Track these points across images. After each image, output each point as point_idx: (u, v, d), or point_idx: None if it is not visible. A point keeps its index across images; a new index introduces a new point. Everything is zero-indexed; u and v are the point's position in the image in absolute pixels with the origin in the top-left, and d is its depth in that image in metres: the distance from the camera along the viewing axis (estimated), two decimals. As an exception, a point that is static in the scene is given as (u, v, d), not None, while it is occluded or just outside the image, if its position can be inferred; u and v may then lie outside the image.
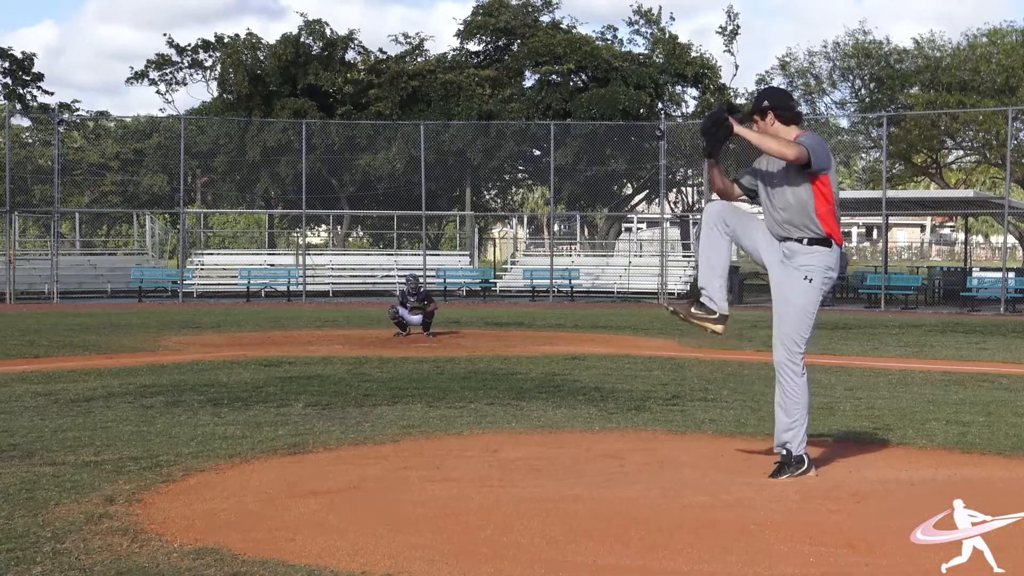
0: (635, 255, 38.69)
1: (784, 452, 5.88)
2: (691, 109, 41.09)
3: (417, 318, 16.32)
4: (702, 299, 6.01)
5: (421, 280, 17.86)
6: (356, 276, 35.21)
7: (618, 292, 33.21)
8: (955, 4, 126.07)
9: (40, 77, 43.52)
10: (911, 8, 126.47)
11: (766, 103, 5.95)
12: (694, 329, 6.12)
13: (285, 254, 38.41)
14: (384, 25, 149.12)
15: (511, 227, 49.24)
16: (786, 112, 5.92)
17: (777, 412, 5.93)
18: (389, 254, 37.30)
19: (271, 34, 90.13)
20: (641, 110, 38.53)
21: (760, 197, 6.04)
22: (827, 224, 5.77)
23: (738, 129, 5.74)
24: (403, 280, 18.04)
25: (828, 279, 5.86)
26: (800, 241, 5.80)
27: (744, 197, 6.21)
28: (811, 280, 5.78)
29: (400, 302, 16.57)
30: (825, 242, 5.78)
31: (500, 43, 40.95)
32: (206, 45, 42.60)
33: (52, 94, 48.97)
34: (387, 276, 34.20)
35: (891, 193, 30.71)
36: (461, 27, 40.77)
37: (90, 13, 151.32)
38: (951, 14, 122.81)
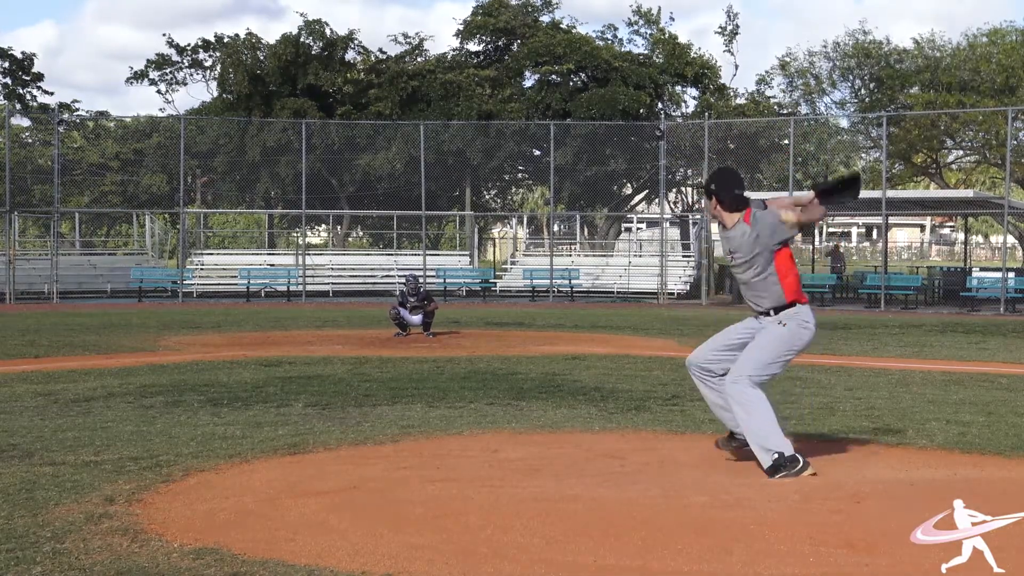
0: (635, 255, 38.69)
1: (776, 456, 5.89)
2: (691, 109, 41.10)
3: (417, 318, 16.34)
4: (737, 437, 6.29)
5: (421, 280, 17.86)
6: (356, 276, 35.21)
7: (618, 292, 33.21)
8: (955, 4, 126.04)
9: (40, 77, 43.52)
10: (911, 8, 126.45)
11: (712, 186, 6.18)
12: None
13: (285, 254, 38.42)
14: (383, 25, 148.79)
15: (511, 227, 49.25)
16: (725, 198, 6.11)
17: (745, 429, 6.03)
18: (389, 254, 37.30)
19: (270, 34, 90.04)
20: (641, 110, 38.53)
21: (734, 267, 6.30)
22: (790, 292, 6.06)
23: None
24: (403, 280, 18.03)
25: (804, 326, 6.07)
26: (768, 313, 6.09)
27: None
28: (784, 324, 6.06)
29: (400, 302, 16.57)
30: (791, 306, 6.07)
31: (500, 43, 40.96)
32: (206, 45, 42.62)
33: (52, 94, 49.05)
34: (387, 276, 34.20)
35: (891, 193, 30.70)
36: (461, 27, 40.79)
37: (89, 13, 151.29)
38: (951, 14, 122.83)
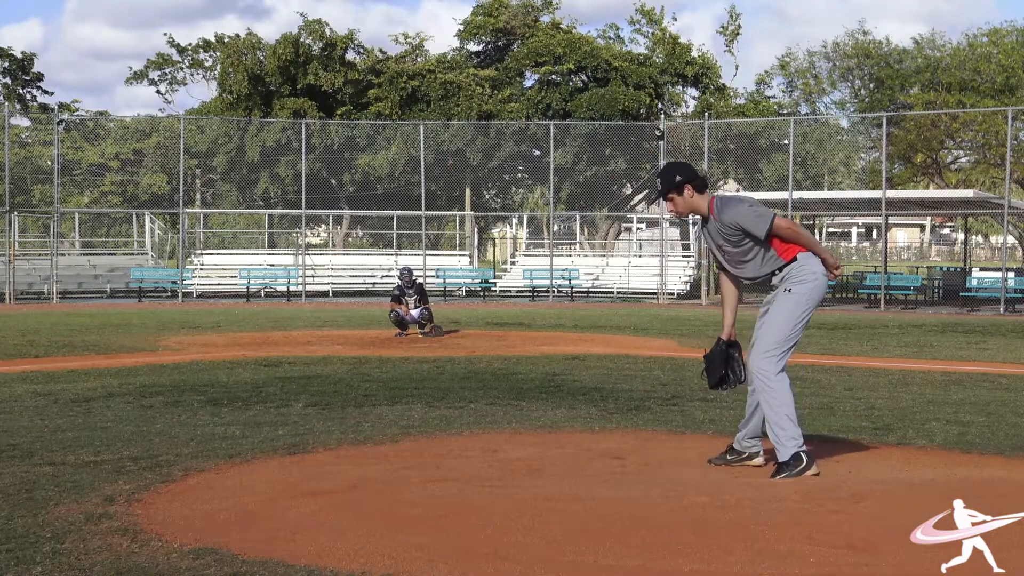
0: (635, 255, 38.69)
1: (790, 455, 5.91)
2: (691, 109, 41.10)
3: (417, 312, 16.43)
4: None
5: (416, 273, 17.85)
6: (356, 276, 35.22)
7: (618, 292, 33.21)
8: (942, 3, 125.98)
9: (40, 77, 43.55)
10: (898, 8, 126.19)
11: (679, 178, 6.11)
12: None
13: (285, 254, 38.42)
14: (366, 25, 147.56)
15: (511, 227, 49.24)
16: (699, 182, 6.12)
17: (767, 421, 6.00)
18: (389, 254, 37.31)
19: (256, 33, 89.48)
20: (641, 110, 38.54)
21: (728, 267, 6.21)
22: (783, 252, 5.98)
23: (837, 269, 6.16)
24: (398, 274, 18.03)
25: (811, 280, 5.95)
26: (775, 274, 6.03)
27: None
28: (790, 289, 5.96)
29: (396, 297, 16.63)
30: (792, 262, 5.98)
31: (500, 43, 40.96)
32: (206, 45, 42.62)
33: (52, 94, 49.10)
34: (387, 276, 34.19)
35: (891, 193, 30.70)
36: (461, 27, 40.80)
37: (72, 12, 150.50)
38: (939, 12, 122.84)
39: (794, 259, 5.96)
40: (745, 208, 6.00)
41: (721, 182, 43.31)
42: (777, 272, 6.01)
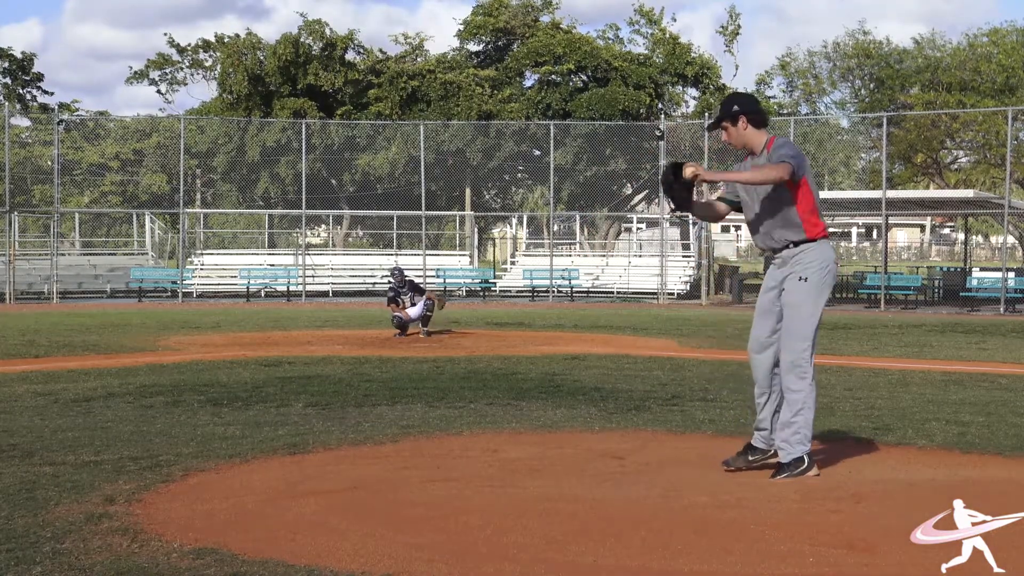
0: (635, 255, 38.69)
1: (795, 459, 5.90)
2: (691, 109, 41.09)
3: (416, 311, 16.38)
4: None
5: (407, 272, 17.79)
6: (356, 276, 35.22)
7: (618, 292, 33.21)
8: (942, 3, 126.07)
9: (40, 77, 43.52)
10: (898, 8, 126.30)
11: (736, 108, 5.97)
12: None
13: (285, 254, 38.41)
14: (366, 25, 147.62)
15: (511, 227, 49.26)
16: (757, 116, 5.96)
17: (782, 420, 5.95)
18: (389, 254, 37.30)
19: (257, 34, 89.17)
20: (641, 110, 38.54)
21: (744, 209, 6.10)
22: (809, 225, 5.83)
23: (705, 174, 5.76)
24: (389, 274, 18.01)
25: (826, 269, 5.86)
26: (787, 247, 5.87)
27: (727, 212, 6.32)
28: (806, 279, 5.81)
29: (392, 299, 16.59)
30: (811, 242, 5.84)
31: (500, 43, 40.97)
32: (206, 45, 42.64)
33: (52, 94, 49.12)
34: (387, 276, 34.18)
35: (891, 193, 30.69)
36: (461, 27, 40.81)
37: (72, 12, 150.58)
38: (939, 12, 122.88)
39: (814, 240, 5.80)
40: (787, 148, 5.80)
41: (722, 183, 43.33)
42: (792, 246, 5.83)
